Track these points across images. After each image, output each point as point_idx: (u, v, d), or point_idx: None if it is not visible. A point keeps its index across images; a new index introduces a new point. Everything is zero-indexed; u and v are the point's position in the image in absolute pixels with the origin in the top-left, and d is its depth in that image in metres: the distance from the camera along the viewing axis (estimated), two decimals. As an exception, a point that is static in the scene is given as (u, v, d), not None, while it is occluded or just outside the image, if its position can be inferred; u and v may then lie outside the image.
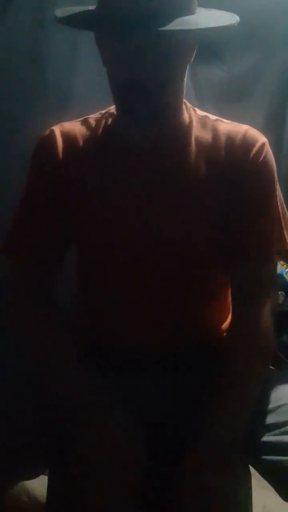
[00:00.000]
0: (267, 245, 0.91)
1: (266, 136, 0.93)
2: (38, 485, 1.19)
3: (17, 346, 0.93)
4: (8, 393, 0.90)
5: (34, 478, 1.00)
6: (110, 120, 0.94)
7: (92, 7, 0.82)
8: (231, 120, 0.95)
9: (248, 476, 0.90)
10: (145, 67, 0.77)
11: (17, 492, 1.19)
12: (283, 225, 0.93)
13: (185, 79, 0.86)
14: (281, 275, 1.61)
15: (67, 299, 1.04)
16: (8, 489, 1.08)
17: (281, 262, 1.60)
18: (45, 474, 0.96)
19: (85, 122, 0.95)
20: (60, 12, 0.82)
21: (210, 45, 1.33)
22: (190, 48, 0.84)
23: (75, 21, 0.82)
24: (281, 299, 1.59)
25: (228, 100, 1.40)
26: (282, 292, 1.60)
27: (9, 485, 1.02)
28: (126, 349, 0.95)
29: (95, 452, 0.78)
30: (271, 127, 1.37)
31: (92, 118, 0.95)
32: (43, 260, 0.94)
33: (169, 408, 0.92)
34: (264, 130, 0.94)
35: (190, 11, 0.79)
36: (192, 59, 0.86)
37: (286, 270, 1.64)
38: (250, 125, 0.93)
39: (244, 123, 0.94)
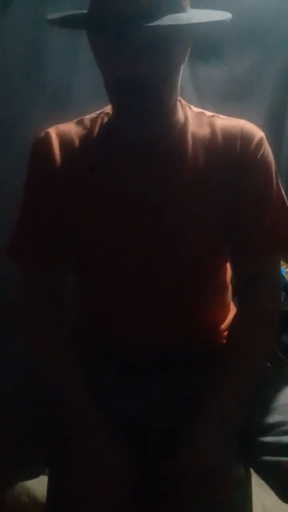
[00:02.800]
0: (270, 241, 0.91)
1: (266, 135, 0.93)
2: (38, 485, 1.19)
3: (17, 347, 0.93)
4: (8, 393, 0.90)
5: (34, 478, 1.00)
6: (105, 120, 0.94)
7: (85, 11, 0.83)
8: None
9: (248, 476, 0.90)
10: (138, 65, 0.77)
11: (17, 492, 1.19)
12: (285, 219, 0.92)
13: (180, 77, 0.86)
14: (281, 275, 1.61)
15: (67, 299, 1.04)
16: (8, 489, 1.08)
17: (281, 262, 1.59)
18: (45, 474, 0.96)
19: (80, 123, 0.95)
20: (53, 16, 0.83)
21: (211, 45, 1.33)
22: (183, 46, 0.84)
23: (68, 22, 0.83)
24: (281, 299, 1.59)
25: (229, 99, 1.40)
26: (282, 292, 1.60)
27: (9, 485, 1.01)
28: (126, 348, 0.95)
29: (91, 453, 0.78)
30: (271, 127, 1.37)
31: (88, 118, 0.95)
32: (47, 262, 0.94)
33: (169, 408, 0.92)
34: (264, 129, 0.94)
35: (182, 10, 0.79)
36: (187, 57, 0.86)
37: (286, 270, 1.64)
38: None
39: None
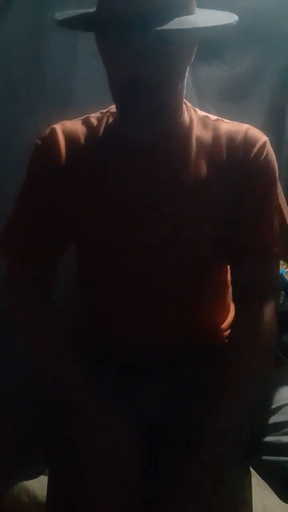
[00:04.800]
0: (269, 245, 0.91)
1: (266, 136, 0.92)
2: (38, 485, 1.19)
3: (17, 346, 0.93)
4: (8, 393, 0.90)
5: (34, 478, 1.00)
6: (111, 119, 0.94)
7: (91, 10, 0.82)
8: (231, 119, 0.95)
9: (248, 476, 0.90)
10: (144, 68, 0.77)
11: (17, 492, 1.19)
12: (284, 224, 0.93)
13: (185, 79, 0.86)
14: (281, 275, 1.61)
15: (67, 299, 1.04)
16: (8, 489, 1.08)
17: (281, 262, 1.59)
18: (45, 474, 0.96)
19: (86, 121, 0.95)
20: (60, 15, 0.83)
21: (211, 45, 1.33)
22: (189, 48, 0.84)
23: (75, 24, 0.83)
24: (281, 299, 1.59)
25: (229, 99, 1.39)
26: (282, 292, 1.60)
27: (9, 485, 1.02)
28: (127, 348, 0.95)
29: (93, 453, 0.78)
30: (271, 127, 1.37)
31: (93, 117, 0.95)
32: (40, 259, 0.94)
33: (169, 408, 0.92)
34: (264, 130, 0.93)
35: (189, 12, 0.79)
36: (192, 59, 0.86)
37: (286, 270, 1.64)
38: (250, 124, 0.93)
39: (244, 122, 0.94)
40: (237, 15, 0.82)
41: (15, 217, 0.95)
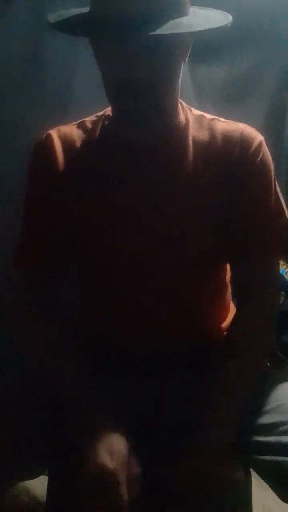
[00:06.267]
0: (268, 244, 0.91)
1: (266, 136, 0.92)
2: (38, 485, 1.19)
3: (18, 348, 0.93)
4: (9, 393, 0.90)
5: (34, 478, 1.00)
6: (106, 122, 0.94)
7: (85, 9, 0.82)
8: (231, 120, 0.95)
9: (248, 476, 0.90)
10: (138, 69, 0.77)
11: (17, 492, 1.20)
12: (283, 223, 0.93)
13: (180, 79, 0.86)
14: (281, 275, 1.61)
15: (67, 299, 1.04)
16: (8, 489, 1.08)
17: (281, 262, 1.59)
18: (45, 474, 0.96)
19: (81, 125, 0.95)
20: (53, 17, 0.82)
21: (210, 45, 1.33)
22: (184, 48, 0.84)
23: (68, 27, 0.82)
24: (281, 299, 1.59)
25: (228, 99, 1.40)
26: (282, 292, 1.60)
27: (9, 485, 1.01)
28: (127, 348, 0.96)
29: (92, 453, 0.78)
30: (271, 127, 1.37)
31: (89, 120, 0.95)
32: (50, 266, 0.94)
33: (169, 407, 0.92)
34: (264, 130, 0.94)
35: (183, 13, 0.79)
36: (187, 58, 0.86)
37: (286, 270, 1.64)
38: (250, 124, 0.93)
39: (244, 122, 0.94)
40: (236, 15, 0.82)
41: (24, 228, 0.95)
